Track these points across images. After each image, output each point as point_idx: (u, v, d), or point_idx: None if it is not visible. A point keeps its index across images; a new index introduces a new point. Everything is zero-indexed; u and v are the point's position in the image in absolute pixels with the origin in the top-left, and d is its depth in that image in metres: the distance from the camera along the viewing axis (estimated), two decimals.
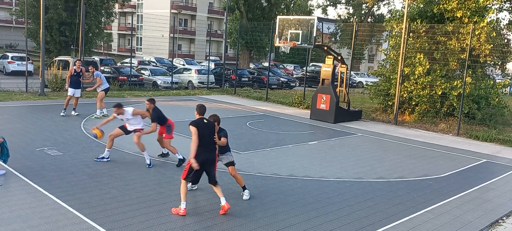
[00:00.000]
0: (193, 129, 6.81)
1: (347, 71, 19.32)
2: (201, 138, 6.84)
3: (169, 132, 9.78)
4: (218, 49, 63.49)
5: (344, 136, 14.86)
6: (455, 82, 17.33)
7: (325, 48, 17.82)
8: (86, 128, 12.85)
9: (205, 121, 7.03)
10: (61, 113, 14.61)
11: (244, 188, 7.90)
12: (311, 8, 60.95)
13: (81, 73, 14.95)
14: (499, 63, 19.53)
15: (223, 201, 7.01)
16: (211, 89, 26.62)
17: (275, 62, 47.29)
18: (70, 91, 14.83)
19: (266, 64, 40.22)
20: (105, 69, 25.05)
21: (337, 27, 54.27)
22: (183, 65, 36.29)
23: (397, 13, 20.08)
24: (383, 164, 11.22)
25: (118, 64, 32.59)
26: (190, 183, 7.63)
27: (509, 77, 20.80)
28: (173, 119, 15.27)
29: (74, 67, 14.93)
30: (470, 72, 17.24)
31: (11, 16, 52.59)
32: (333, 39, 53.23)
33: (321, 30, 18.76)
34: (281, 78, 32.90)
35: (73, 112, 14.88)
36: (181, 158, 9.59)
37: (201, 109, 7.16)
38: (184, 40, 63.21)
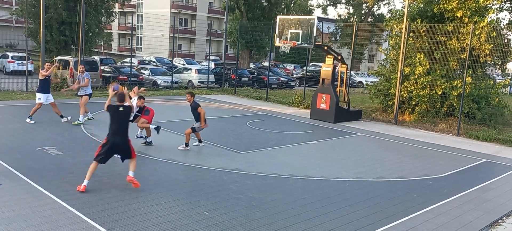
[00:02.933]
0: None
1: (347, 71, 19.31)
2: (113, 123, 7.76)
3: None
4: (218, 49, 63.48)
5: (344, 135, 14.86)
6: (455, 82, 17.32)
7: (325, 48, 17.81)
8: (86, 128, 12.85)
9: (120, 108, 7.85)
10: (31, 121, 12.98)
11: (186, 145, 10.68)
12: (311, 7, 60.83)
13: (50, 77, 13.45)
14: (499, 63, 19.51)
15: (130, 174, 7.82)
16: (211, 89, 26.62)
17: (275, 62, 47.27)
18: (43, 97, 13.02)
19: (266, 64, 40.21)
20: (105, 69, 25.07)
21: (337, 27, 54.25)
22: (183, 65, 36.28)
23: (397, 13, 20.06)
24: (383, 163, 11.22)
25: (118, 64, 32.57)
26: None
27: (509, 77, 20.79)
28: (173, 118, 15.33)
29: (43, 71, 13.17)
30: (470, 72, 17.23)
31: (11, 16, 52.56)
32: (333, 39, 53.19)
33: (321, 30, 18.77)
34: (281, 78, 32.88)
35: (65, 119, 13.40)
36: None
37: (119, 97, 8.07)
38: (184, 40, 63.20)
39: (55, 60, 14.05)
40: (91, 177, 7.66)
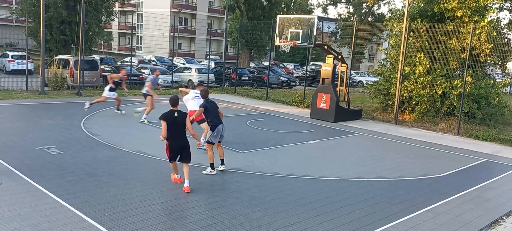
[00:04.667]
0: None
1: (347, 71, 19.31)
2: (171, 130, 7.78)
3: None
4: (218, 48, 63.46)
5: (344, 135, 14.86)
6: (455, 82, 17.31)
7: (326, 47, 17.80)
8: (86, 127, 12.85)
9: (176, 114, 7.82)
10: (122, 112, 15.19)
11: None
12: (312, 7, 60.74)
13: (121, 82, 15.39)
14: (500, 63, 19.48)
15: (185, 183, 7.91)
16: (211, 88, 26.58)
17: (275, 61, 47.26)
18: (111, 94, 15.03)
19: (266, 63, 40.19)
20: (105, 68, 25.05)
21: (338, 26, 54.18)
22: (183, 64, 36.26)
23: (398, 12, 20.05)
24: (383, 163, 11.22)
25: (118, 63, 32.56)
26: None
27: (510, 77, 20.77)
28: None
29: (120, 75, 15.55)
30: (470, 71, 17.22)
31: (11, 15, 52.58)
32: (333, 38, 53.12)
33: (321, 29, 18.74)
34: (281, 78, 32.88)
35: (121, 111, 15.28)
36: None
37: (173, 101, 8.02)
38: (184, 39, 63.19)
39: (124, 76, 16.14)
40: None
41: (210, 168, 9.07)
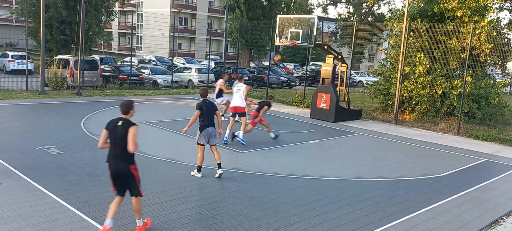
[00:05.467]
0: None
1: (347, 71, 19.31)
2: (110, 143, 5.92)
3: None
4: (218, 48, 63.49)
5: (344, 135, 14.86)
6: (455, 82, 17.32)
7: (326, 47, 17.80)
8: (86, 127, 12.86)
9: (119, 123, 5.83)
10: (224, 119, 14.94)
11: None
12: (312, 7, 60.75)
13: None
14: (500, 63, 19.50)
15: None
16: (212, 88, 26.58)
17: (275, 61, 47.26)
18: (221, 99, 15.61)
19: (266, 63, 40.21)
20: (105, 68, 25.06)
21: (338, 26, 54.19)
22: (183, 64, 36.27)
23: (398, 12, 20.05)
24: (383, 163, 11.22)
25: (118, 63, 32.56)
26: None
27: (510, 77, 20.78)
28: (173, 117, 15.33)
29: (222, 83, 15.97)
30: (470, 71, 17.22)
31: (11, 15, 52.59)
32: (333, 38, 53.13)
33: (321, 29, 18.72)
34: (281, 78, 32.89)
35: (224, 118, 15.30)
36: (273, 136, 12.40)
37: (123, 107, 5.92)
38: (184, 39, 63.21)
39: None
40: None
41: (196, 169, 8.83)
